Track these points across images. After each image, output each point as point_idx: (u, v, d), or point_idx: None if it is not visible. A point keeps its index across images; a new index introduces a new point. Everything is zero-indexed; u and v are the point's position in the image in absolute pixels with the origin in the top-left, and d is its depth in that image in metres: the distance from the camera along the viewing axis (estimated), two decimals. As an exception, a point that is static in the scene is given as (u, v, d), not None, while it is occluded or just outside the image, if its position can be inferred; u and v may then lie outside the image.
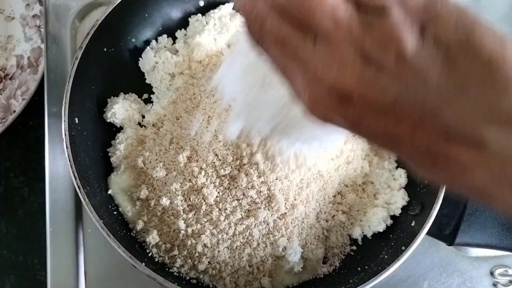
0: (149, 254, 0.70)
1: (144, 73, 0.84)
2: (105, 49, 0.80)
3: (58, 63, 0.87)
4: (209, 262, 0.70)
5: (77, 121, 0.72)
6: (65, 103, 0.69)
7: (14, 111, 0.90)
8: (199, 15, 0.87)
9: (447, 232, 0.72)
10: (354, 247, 0.77)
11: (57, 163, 0.80)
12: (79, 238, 0.79)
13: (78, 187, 0.66)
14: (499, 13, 1.12)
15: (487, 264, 0.86)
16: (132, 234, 0.72)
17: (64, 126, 0.68)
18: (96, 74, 0.79)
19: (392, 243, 0.72)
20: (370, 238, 0.76)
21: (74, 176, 0.66)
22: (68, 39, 0.89)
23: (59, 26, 0.89)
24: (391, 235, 0.73)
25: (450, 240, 0.72)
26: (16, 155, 0.94)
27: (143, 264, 0.63)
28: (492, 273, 0.85)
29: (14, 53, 0.98)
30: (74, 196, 0.80)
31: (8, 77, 0.95)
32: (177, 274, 0.70)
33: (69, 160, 0.67)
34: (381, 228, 0.74)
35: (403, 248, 0.66)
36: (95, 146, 0.76)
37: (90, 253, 0.78)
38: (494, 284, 0.84)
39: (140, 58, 0.83)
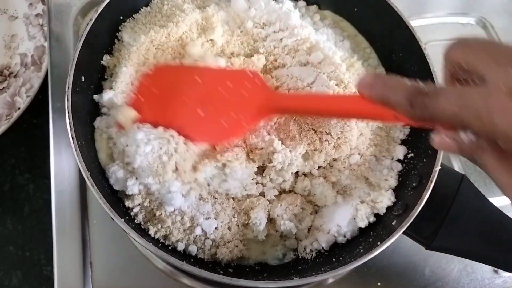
0: (131, 215, 0.70)
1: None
2: (121, 17, 0.81)
3: (61, 60, 0.88)
4: (179, 233, 0.71)
5: (83, 79, 0.72)
6: (73, 59, 0.70)
7: (19, 108, 0.91)
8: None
9: (425, 234, 0.72)
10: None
11: (62, 156, 0.81)
12: (85, 230, 0.79)
13: (72, 138, 0.66)
14: (496, 4, 1.13)
15: (487, 249, 0.86)
16: (119, 195, 0.72)
17: (69, 80, 0.68)
18: (109, 38, 0.80)
19: (371, 239, 0.72)
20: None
21: (70, 127, 0.66)
22: (71, 36, 0.91)
23: (61, 23, 0.91)
24: (371, 232, 0.74)
25: (427, 243, 0.72)
26: (21, 152, 0.96)
27: (123, 219, 0.64)
28: (492, 259, 0.86)
29: (18, 51, 1.00)
30: (79, 189, 0.81)
31: (13, 75, 0.97)
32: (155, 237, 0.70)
33: (68, 112, 0.67)
34: (363, 224, 0.74)
35: (378, 243, 0.66)
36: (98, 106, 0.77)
37: (96, 245, 0.79)
38: (495, 270, 0.85)
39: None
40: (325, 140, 0.73)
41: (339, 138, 0.74)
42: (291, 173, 0.74)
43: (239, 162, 0.71)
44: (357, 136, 0.76)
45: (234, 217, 0.73)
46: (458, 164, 0.93)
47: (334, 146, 0.74)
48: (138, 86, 0.74)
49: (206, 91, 0.71)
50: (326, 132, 0.74)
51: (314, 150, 0.74)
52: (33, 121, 0.97)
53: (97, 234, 0.79)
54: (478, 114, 0.41)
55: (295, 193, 0.76)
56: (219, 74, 0.74)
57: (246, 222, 0.73)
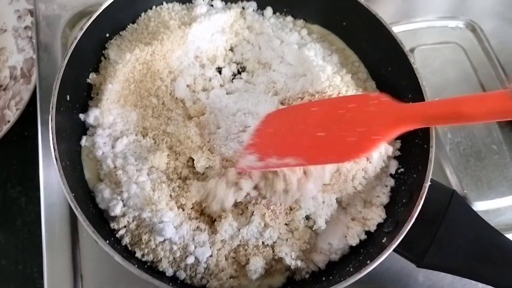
0: (117, 236, 0.70)
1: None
2: (107, 35, 0.82)
3: (50, 72, 0.88)
4: (169, 262, 0.70)
5: (68, 99, 0.73)
6: (57, 79, 0.70)
7: (9, 121, 0.91)
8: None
9: (415, 252, 0.71)
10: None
11: (51, 169, 0.81)
12: (75, 243, 0.79)
13: (56, 159, 0.66)
14: (485, 7, 1.13)
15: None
16: (105, 216, 0.72)
17: (53, 100, 0.69)
18: (95, 56, 0.81)
19: (361, 257, 0.72)
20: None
21: (54, 148, 0.66)
22: (59, 48, 0.91)
23: (50, 35, 0.91)
24: (361, 250, 0.74)
25: (418, 260, 0.71)
26: (13, 165, 0.95)
27: (107, 241, 0.64)
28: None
29: (7, 64, 0.99)
30: (69, 202, 0.80)
31: (2, 88, 0.96)
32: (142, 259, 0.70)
33: (51, 133, 0.67)
34: (354, 242, 0.74)
35: (368, 262, 0.66)
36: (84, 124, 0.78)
37: (86, 258, 0.78)
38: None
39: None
40: (349, 171, 0.75)
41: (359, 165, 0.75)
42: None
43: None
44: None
45: (233, 251, 0.73)
46: (449, 168, 0.93)
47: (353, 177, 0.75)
48: (254, 133, 0.74)
49: (324, 116, 0.70)
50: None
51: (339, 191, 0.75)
52: (24, 133, 0.97)
53: (87, 247, 0.79)
54: None
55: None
56: (337, 101, 0.73)
57: (242, 264, 0.72)
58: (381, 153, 0.77)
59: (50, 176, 0.81)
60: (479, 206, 0.90)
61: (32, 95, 0.93)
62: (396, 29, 1.03)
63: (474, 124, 0.98)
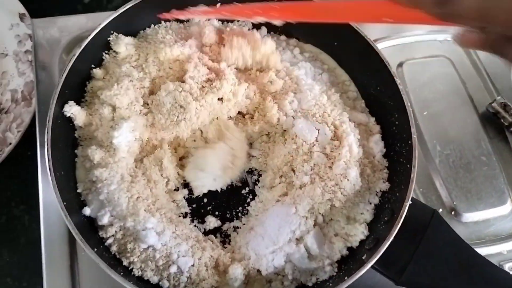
0: (106, 245, 0.73)
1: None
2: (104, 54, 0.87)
3: (49, 94, 0.90)
4: (152, 270, 0.72)
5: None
6: (55, 93, 0.75)
7: (10, 143, 0.94)
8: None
9: (394, 270, 0.72)
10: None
11: (51, 189, 0.82)
12: (73, 261, 0.81)
13: (49, 169, 0.69)
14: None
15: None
16: (96, 225, 0.75)
17: (49, 113, 0.73)
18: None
19: (341, 273, 0.73)
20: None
21: (48, 159, 0.70)
22: (57, 72, 0.94)
23: (48, 59, 0.94)
24: (342, 265, 0.75)
25: (395, 278, 0.72)
26: (16, 184, 0.98)
27: (95, 250, 0.66)
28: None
29: (8, 88, 1.02)
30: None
31: (4, 111, 0.99)
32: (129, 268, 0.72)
33: (47, 144, 0.71)
34: (335, 258, 0.75)
35: (346, 278, 0.67)
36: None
37: (85, 275, 0.80)
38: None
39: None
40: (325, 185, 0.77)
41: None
42: None
43: None
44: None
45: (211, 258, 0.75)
46: (439, 181, 0.95)
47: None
48: None
49: None
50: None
51: (319, 203, 0.77)
52: (27, 153, 0.99)
53: (86, 265, 0.81)
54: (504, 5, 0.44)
55: None
56: None
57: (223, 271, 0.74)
58: (360, 170, 0.80)
59: (49, 196, 0.84)
60: (469, 217, 0.92)
61: (33, 117, 0.95)
62: (385, 44, 1.06)
63: (463, 136, 1.00)
